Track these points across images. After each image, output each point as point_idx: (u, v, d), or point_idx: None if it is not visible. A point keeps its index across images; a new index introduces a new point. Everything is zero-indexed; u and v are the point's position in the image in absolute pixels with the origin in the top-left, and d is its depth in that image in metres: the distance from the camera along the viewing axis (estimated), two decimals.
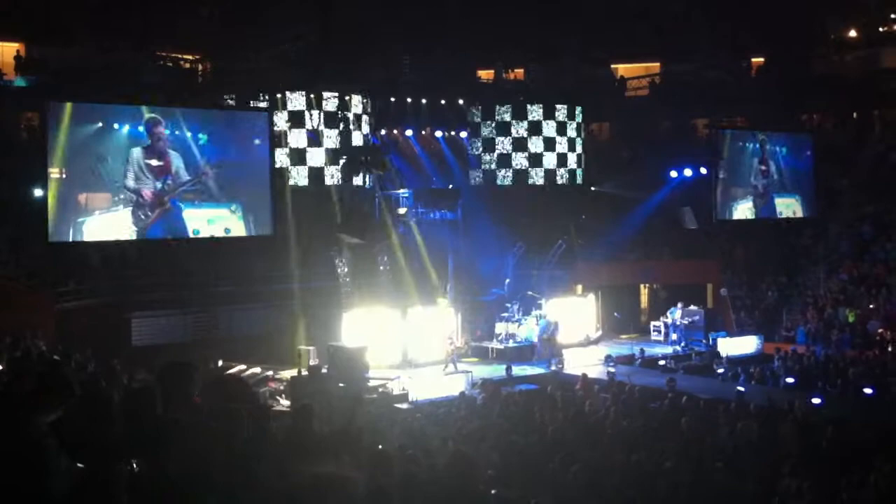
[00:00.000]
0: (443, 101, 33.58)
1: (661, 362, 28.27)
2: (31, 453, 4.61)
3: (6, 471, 4.39)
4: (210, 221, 27.83)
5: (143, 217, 26.53)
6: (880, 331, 29.12)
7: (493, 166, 33.86)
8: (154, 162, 26.81)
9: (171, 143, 27.24)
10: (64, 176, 25.74)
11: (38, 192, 26.36)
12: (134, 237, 26.78)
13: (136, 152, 26.55)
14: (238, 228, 28.25)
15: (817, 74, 39.59)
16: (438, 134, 34.05)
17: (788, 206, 36.79)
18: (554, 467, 11.94)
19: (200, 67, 33.46)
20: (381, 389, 24.26)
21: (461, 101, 33.82)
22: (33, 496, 4.39)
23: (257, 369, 26.27)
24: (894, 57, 39.86)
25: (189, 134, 27.57)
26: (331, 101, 30.53)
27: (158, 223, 26.89)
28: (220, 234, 27.96)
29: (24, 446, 4.61)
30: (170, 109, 27.52)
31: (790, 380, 24.99)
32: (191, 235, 27.60)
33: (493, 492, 8.36)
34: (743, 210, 35.83)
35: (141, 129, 26.65)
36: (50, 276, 26.28)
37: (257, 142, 28.81)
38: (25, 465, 4.45)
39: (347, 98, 30.85)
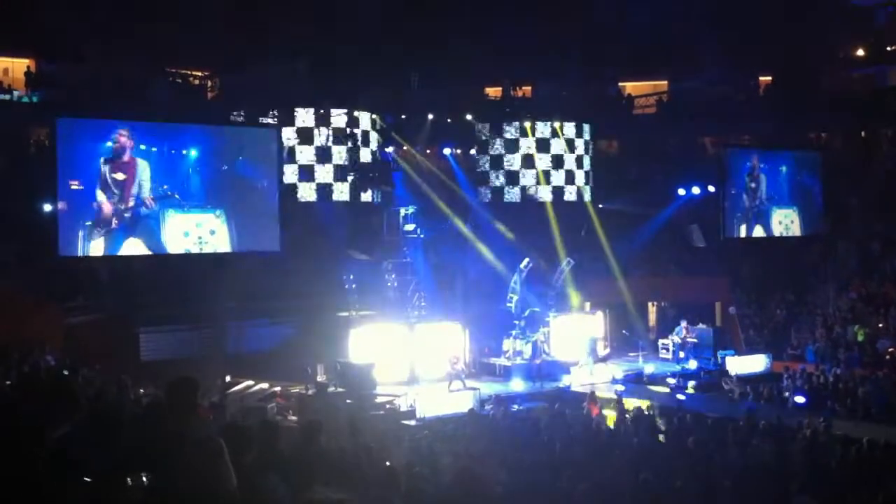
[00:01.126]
0: (449, 119, 33.64)
1: (670, 380, 28.21)
2: (38, 467, 4.61)
3: (14, 485, 4.40)
4: (198, 225, 27.86)
5: (97, 232, 26.50)
6: (890, 349, 29.02)
7: (501, 183, 33.87)
8: (119, 175, 26.75)
9: (145, 155, 27.24)
10: (75, 189, 25.92)
11: (47, 207, 26.44)
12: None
13: (103, 165, 26.51)
14: (222, 231, 28.24)
15: (825, 92, 39.61)
16: (447, 151, 34.07)
17: (787, 216, 36.70)
18: (562, 485, 11.90)
19: (209, 83, 33.62)
20: (388, 406, 24.26)
21: (469, 117, 33.85)
22: None
23: (265, 385, 26.31)
24: None
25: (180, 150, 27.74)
26: (339, 118, 30.63)
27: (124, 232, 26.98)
28: (206, 237, 27.99)
29: (32, 460, 4.62)
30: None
31: (799, 399, 24.91)
32: (182, 239, 27.80)
33: None
34: (745, 228, 35.86)
35: (109, 143, 26.59)
36: (58, 290, 26.32)
37: (241, 157, 28.80)
38: (33, 478, 4.46)
39: (356, 114, 30.95)
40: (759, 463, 15.10)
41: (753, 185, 35.97)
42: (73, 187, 25.81)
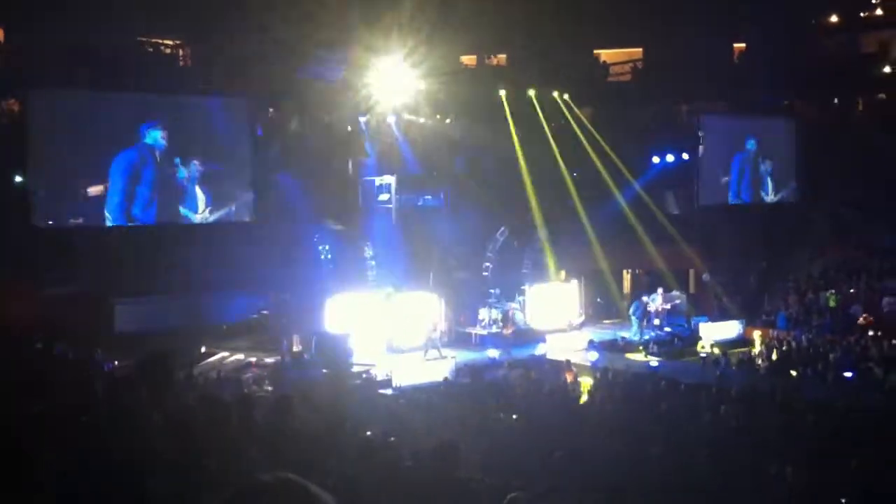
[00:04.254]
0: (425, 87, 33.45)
1: (642, 347, 28.39)
2: (18, 443, 4.60)
3: None
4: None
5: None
6: (864, 315, 29.31)
7: (477, 152, 33.77)
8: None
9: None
10: (52, 162, 25.88)
11: (18, 178, 26.24)
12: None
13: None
14: None
15: (800, 59, 39.64)
16: (421, 120, 33.92)
17: (783, 189, 37.35)
18: (538, 453, 12.00)
19: (182, 52, 33.26)
20: (364, 375, 24.30)
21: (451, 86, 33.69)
22: (22, 487, 4.39)
23: (240, 355, 26.29)
24: (875, 42, 40.02)
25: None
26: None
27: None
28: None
29: (10, 436, 4.61)
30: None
31: (771, 364, 25.16)
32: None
33: (475, 478, 8.39)
34: (726, 195, 36.17)
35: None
36: (31, 263, 26.09)
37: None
38: (13, 455, 4.45)
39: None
40: (732, 429, 15.28)
41: (749, 154, 36.52)
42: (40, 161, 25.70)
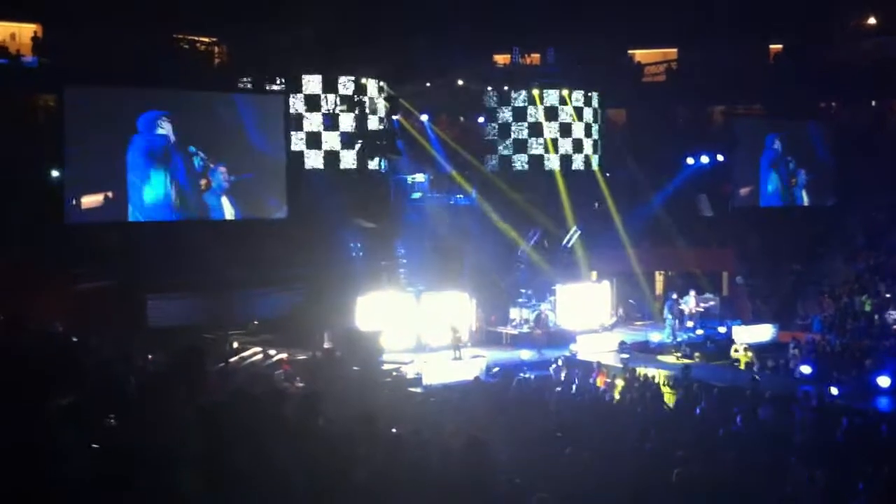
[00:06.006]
0: (460, 82, 33.50)
1: (675, 350, 28.21)
2: (47, 436, 4.63)
3: (23, 454, 4.41)
4: None
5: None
6: None
7: (509, 152, 33.77)
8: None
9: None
10: (84, 158, 26.13)
11: (54, 174, 26.49)
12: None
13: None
14: None
15: (835, 62, 39.27)
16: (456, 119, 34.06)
17: (816, 192, 37.25)
18: (567, 454, 11.94)
19: (216, 50, 33.44)
20: (395, 373, 24.31)
21: (483, 86, 33.74)
22: (50, 478, 4.42)
23: (272, 352, 26.37)
24: None
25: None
26: (347, 85, 30.53)
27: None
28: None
29: (40, 430, 4.64)
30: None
31: (805, 369, 24.93)
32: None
33: (503, 477, 8.36)
34: (761, 197, 35.97)
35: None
36: (65, 258, 26.31)
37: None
38: (42, 448, 4.48)
39: (363, 82, 30.84)
40: (765, 433, 15.15)
41: (785, 157, 36.42)
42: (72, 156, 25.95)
